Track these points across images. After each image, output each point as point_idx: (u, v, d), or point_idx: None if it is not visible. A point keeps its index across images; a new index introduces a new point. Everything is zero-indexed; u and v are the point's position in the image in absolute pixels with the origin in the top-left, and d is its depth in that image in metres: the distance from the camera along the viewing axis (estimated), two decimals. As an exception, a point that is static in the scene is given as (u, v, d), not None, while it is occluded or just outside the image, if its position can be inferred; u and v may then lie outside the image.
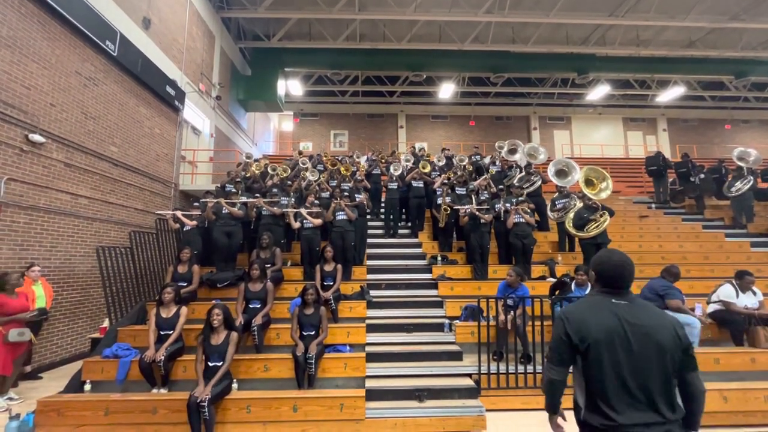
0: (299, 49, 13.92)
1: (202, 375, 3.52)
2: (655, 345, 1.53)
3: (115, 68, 7.17)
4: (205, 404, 3.33)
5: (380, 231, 7.94)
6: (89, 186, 6.55)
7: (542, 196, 7.88)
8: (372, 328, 4.99)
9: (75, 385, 4.08)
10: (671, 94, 16.74)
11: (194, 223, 6.12)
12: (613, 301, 1.63)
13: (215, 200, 6.16)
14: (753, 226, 8.73)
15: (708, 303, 5.09)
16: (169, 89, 8.81)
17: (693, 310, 4.95)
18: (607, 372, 1.53)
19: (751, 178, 8.78)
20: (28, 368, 5.13)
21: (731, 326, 4.79)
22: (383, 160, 9.30)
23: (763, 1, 11.64)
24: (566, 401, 4.14)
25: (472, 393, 4.02)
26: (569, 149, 19.77)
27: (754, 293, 4.88)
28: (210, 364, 3.59)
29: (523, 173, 8.11)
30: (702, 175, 9.78)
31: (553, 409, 1.84)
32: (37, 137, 5.48)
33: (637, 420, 1.48)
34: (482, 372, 4.25)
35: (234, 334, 3.74)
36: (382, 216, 8.25)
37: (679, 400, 1.57)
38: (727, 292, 4.88)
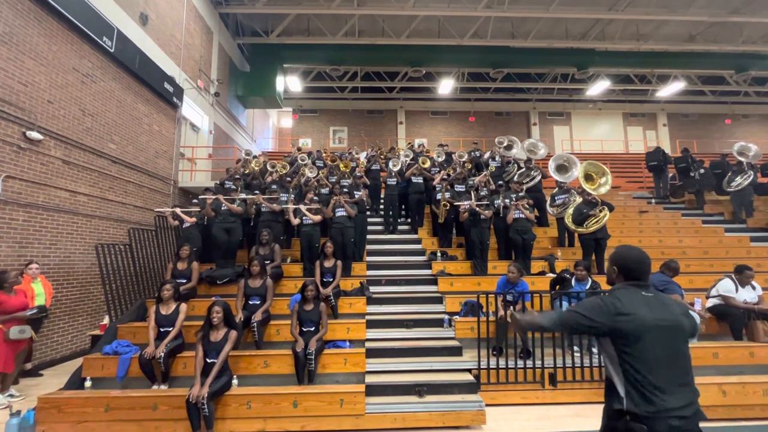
0: (298, 45, 13.85)
1: (199, 373, 3.52)
2: (681, 332, 1.68)
3: (112, 65, 7.13)
4: (205, 403, 3.34)
5: (380, 227, 7.94)
6: (88, 183, 6.54)
7: (542, 191, 7.88)
8: (372, 324, 5.00)
9: (75, 381, 4.09)
10: (671, 88, 16.69)
11: (193, 219, 6.11)
12: (643, 294, 1.71)
13: (214, 197, 6.15)
14: (752, 220, 8.73)
15: (707, 297, 5.10)
16: (167, 86, 8.77)
17: (692, 304, 4.96)
18: (653, 360, 1.60)
19: (752, 173, 8.78)
20: (29, 365, 5.14)
21: (730, 321, 4.80)
22: (383, 156, 9.27)
23: (764, -5, 11.59)
24: (578, 395, 4.10)
25: (472, 388, 4.03)
26: (569, 145, 19.73)
27: (754, 288, 4.89)
28: (209, 360, 3.59)
29: (523, 168, 8.09)
30: (702, 170, 9.77)
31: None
32: (34, 134, 5.46)
33: (680, 403, 1.58)
34: (482, 367, 4.26)
35: (233, 333, 3.74)
36: (382, 212, 8.24)
37: None
38: (726, 286, 4.88)
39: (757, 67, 14.77)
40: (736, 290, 4.84)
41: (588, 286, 4.83)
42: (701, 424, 1.62)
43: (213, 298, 4.82)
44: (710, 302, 5.03)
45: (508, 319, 4.50)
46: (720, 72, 16.08)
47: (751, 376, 4.12)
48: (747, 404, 3.89)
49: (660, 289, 4.64)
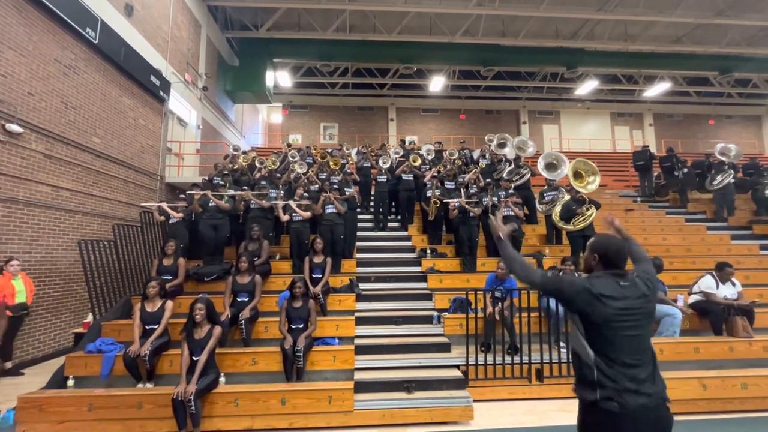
0: (288, 40, 13.69)
1: (185, 371, 3.48)
2: (650, 317, 1.79)
3: (96, 56, 6.95)
4: (192, 400, 3.30)
5: (370, 224, 7.93)
6: (71, 178, 6.38)
7: (531, 189, 7.95)
8: (361, 321, 5.00)
9: (57, 380, 4.00)
10: (657, 89, 16.98)
11: (180, 215, 6.01)
12: (621, 283, 1.76)
13: (202, 193, 6.06)
14: (733, 219, 8.96)
15: (690, 294, 5.22)
16: (153, 79, 8.60)
17: (675, 301, 5.08)
18: (618, 342, 1.68)
19: (732, 172, 9.01)
20: (9, 364, 5.02)
21: (711, 316, 4.92)
22: (373, 153, 9.25)
23: (748, -2, 11.83)
24: (563, 390, 4.15)
25: (460, 384, 4.06)
26: (558, 143, 19.95)
27: (734, 284, 5.02)
28: (194, 358, 3.54)
29: (513, 166, 8.16)
30: (685, 170, 9.98)
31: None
32: (14, 127, 5.30)
33: (645, 375, 1.66)
34: (470, 363, 4.30)
35: (217, 328, 3.69)
36: (372, 209, 8.23)
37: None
38: (707, 283, 5.00)
39: (740, 68, 15.10)
40: (717, 287, 4.96)
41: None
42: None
43: (199, 295, 4.75)
44: (692, 298, 5.15)
45: (496, 316, 4.56)
46: (705, 73, 16.40)
47: (731, 370, 4.23)
48: (726, 398, 3.99)
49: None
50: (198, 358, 3.53)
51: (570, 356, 1.82)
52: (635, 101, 19.94)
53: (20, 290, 4.96)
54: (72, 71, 6.42)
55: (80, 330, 5.62)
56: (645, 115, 20.97)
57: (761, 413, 3.93)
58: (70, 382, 3.95)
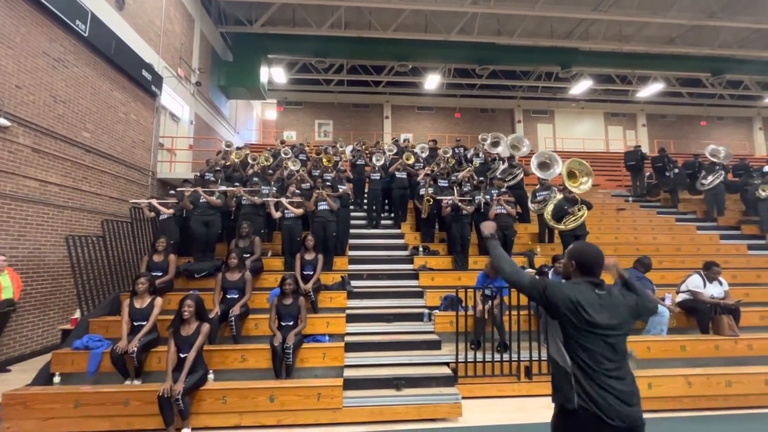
0: (283, 36, 13.59)
1: (171, 369, 3.45)
2: (623, 331, 1.78)
3: (86, 50, 6.85)
4: (179, 398, 3.28)
5: (363, 221, 7.93)
6: (59, 173, 6.30)
7: (524, 188, 7.98)
8: (352, 318, 5.00)
9: (43, 377, 3.96)
10: (651, 90, 17.10)
11: (171, 211, 5.97)
12: (596, 292, 1.79)
13: (192, 189, 6.02)
14: (723, 219, 9.07)
15: (677, 293, 5.27)
16: (145, 73, 8.50)
17: (663, 299, 5.13)
18: (594, 351, 1.71)
19: (722, 172, 9.12)
20: (-5, 361, 4.96)
21: (698, 315, 4.98)
22: (367, 151, 9.23)
23: (739, 0, 11.92)
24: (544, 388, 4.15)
25: (449, 381, 4.08)
26: (552, 143, 20.02)
27: (721, 283, 5.08)
28: (182, 355, 3.52)
29: (506, 165, 8.18)
30: (676, 170, 10.07)
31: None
32: (1, 120, 5.22)
33: (622, 386, 1.68)
34: (460, 360, 4.32)
35: (205, 326, 3.67)
36: (365, 206, 8.22)
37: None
38: (695, 282, 5.06)
39: (732, 70, 15.25)
40: (704, 286, 5.02)
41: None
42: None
43: (190, 292, 4.73)
44: (680, 297, 5.21)
45: (486, 314, 4.58)
46: (697, 75, 16.53)
47: (716, 368, 4.28)
48: (711, 395, 4.05)
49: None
50: (186, 355, 3.51)
51: (548, 365, 1.84)
52: (629, 101, 20.06)
53: (6, 286, 4.90)
54: (61, 64, 6.32)
55: (68, 326, 5.56)
56: (638, 115, 21.12)
57: (744, 410, 3.99)
58: (56, 379, 3.91)
